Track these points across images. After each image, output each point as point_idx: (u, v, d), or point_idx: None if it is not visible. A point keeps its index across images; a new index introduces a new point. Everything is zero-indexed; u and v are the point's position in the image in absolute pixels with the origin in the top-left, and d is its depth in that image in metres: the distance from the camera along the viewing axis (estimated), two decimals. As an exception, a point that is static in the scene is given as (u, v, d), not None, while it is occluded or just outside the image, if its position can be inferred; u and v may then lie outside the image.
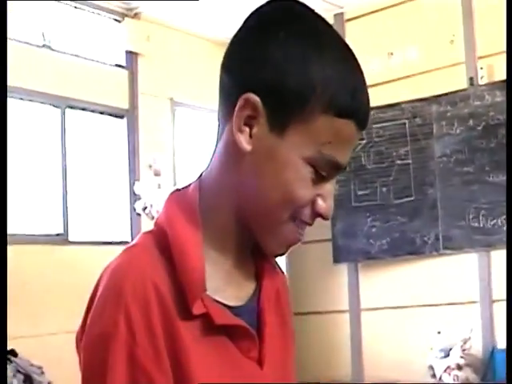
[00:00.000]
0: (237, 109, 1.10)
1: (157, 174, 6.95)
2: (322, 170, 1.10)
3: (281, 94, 1.08)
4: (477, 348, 6.28)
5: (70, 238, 6.29)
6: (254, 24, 1.13)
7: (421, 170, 6.61)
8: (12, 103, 5.88)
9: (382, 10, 7.03)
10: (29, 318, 5.75)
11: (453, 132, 6.45)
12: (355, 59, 1.12)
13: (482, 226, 6.27)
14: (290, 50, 1.08)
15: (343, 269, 7.14)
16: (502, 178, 6.06)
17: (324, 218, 1.14)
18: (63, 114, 6.36)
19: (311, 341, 7.09)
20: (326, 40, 1.10)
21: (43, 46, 6.30)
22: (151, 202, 6.75)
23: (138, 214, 6.77)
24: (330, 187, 1.13)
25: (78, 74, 6.50)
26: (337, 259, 7.05)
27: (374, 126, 6.76)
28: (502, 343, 6.05)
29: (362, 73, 1.12)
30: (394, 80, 6.94)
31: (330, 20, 7.03)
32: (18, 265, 5.64)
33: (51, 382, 5.28)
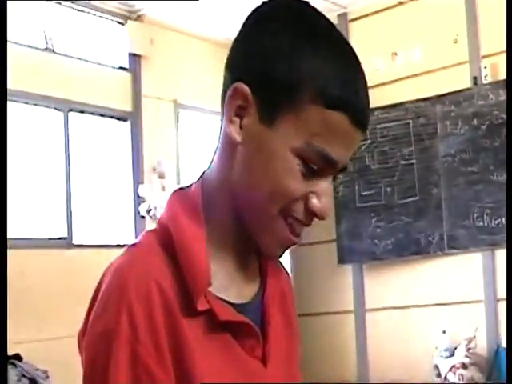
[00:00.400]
0: (227, 98, 1.10)
1: (161, 176, 6.95)
2: (312, 163, 1.07)
3: (270, 83, 1.07)
4: (482, 347, 6.28)
5: (75, 242, 6.29)
6: (252, 21, 1.13)
7: (425, 170, 6.60)
8: (15, 107, 5.88)
9: (385, 10, 7.03)
10: (33, 322, 5.75)
11: (457, 132, 6.45)
12: (354, 56, 1.10)
13: (486, 225, 6.27)
14: (282, 40, 1.07)
15: (348, 269, 7.14)
16: (507, 177, 6.07)
17: (319, 217, 1.11)
18: (66, 117, 6.35)
19: (316, 342, 7.09)
20: (322, 34, 1.09)
21: (46, 49, 6.30)
22: (155, 205, 6.74)
23: (143, 217, 6.77)
24: (324, 185, 1.10)
25: (81, 76, 6.50)
26: (342, 260, 7.05)
27: (378, 126, 6.76)
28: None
29: (359, 69, 1.10)
30: (397, 80, 6.94)
31: (334, 20, 6.92)
32: (22, 269, 5.65)
33: (56, 385, 5.28)
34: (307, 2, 1.13)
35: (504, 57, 6.12)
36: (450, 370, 6.15)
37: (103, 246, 6.37)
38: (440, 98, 6.54)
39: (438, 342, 6.42)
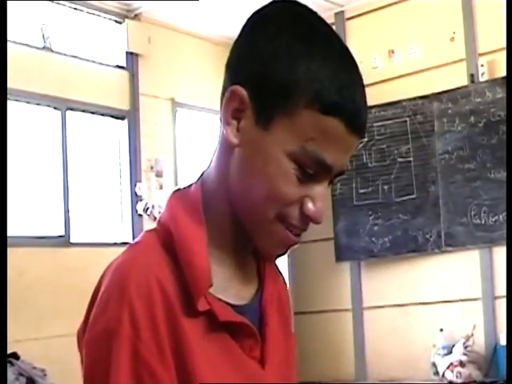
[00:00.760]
0: (224, 101, 1.10)
1: (158, 175, 6.95)
2: (307, 168, 1.07)
3: (266, 86, 1.07)
4: (480, 345, 6.29)
5: (72, 240, 6.29)
6: (251, 23, 1.13)
7: (422, 168, 6.61)
8: (12, 105, 5.88)
9: (382, 8, 7.03)
10: (31, 320, 5.75)
11: (454, 129, 6.45)
12: (352, 60, 1.10)
13: (483, 222, 6.27)
14: (278, 44, 1.07)
15: (346, 267, 7.14)
16: (504, 175, 6.07)
17: (314, 221, 1.11)
18: (64, 115, 6.35)
19: (314, 340, 7.10)
20: (320, 38, 1.09)
21: (43, 47, 6.30)
22: (153, 203, 6.75)
23: (140, 215, 6.77)
24: (320, 189, 1.10)
25: (79, 75, 6.50)
26: (339, 258, 7.05)
27: (375, 124, 6.76)
28: (504, 340, 6.04)
29: (356, 74, 1.10)
30: (395, 78, 6.94)
31: (331, 19, 7.04)
32: (20, 267, 5.65)
33: (54, 384, 5.28)
34: (307, 6, 1.13)
35: (500, 54, 6.14)
36: (448, 367, 6.15)
37: (101, 245, 6.38)
38: (437, 95, 6.55)
39: (435, 340, 6.42)
